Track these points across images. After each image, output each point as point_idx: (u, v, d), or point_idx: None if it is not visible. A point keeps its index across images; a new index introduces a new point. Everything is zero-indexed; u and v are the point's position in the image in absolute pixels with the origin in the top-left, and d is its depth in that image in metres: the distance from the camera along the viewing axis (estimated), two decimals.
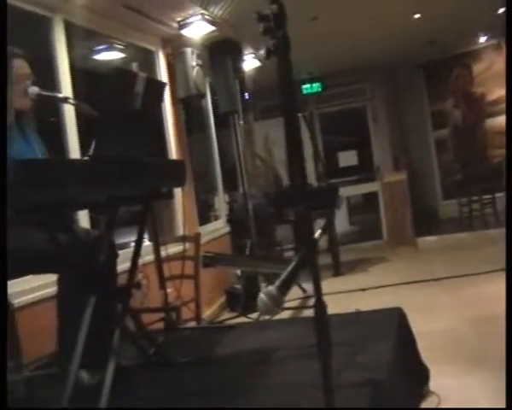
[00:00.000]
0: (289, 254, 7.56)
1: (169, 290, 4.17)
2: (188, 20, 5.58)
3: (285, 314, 4.82)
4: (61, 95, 3.08)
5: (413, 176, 9.72)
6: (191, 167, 6.13)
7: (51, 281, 2.98)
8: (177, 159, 5.49)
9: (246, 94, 5.97)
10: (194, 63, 5.74)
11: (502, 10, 7.08)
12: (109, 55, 5.62)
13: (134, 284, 2.60)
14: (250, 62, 7.28)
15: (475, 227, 8.78)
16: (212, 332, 3.63)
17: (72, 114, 4.29)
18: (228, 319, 5.57)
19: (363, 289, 5.69)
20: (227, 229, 7.14)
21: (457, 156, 10.42)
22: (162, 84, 2.87)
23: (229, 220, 7.16)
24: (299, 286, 5.89)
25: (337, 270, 7.37)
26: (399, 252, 8.42)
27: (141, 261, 2.83)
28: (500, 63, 9.31)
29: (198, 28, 5.70)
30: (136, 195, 2.61)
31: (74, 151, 4.29)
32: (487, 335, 3.85)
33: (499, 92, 9.39)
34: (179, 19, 5.59)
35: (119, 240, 4.20)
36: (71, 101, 2.95)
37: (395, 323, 2.96)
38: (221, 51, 5.98)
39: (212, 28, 5.77)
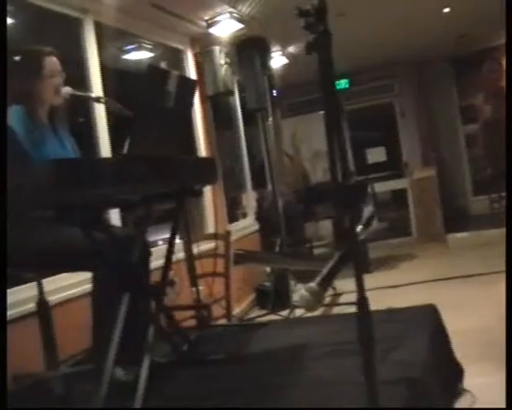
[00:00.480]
0: (319, 251, 7.54)
1: (200, 288, 4.19)
2: (216, 19, 5.58)
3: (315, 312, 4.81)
4: (94, 94, 3.12)
5: (442, 172, 9.62)
6: (220, 165, 6.15)
7: (85, 278, 3.02)
8: (209, 157, 5.51)
9: (274, 91, 5.96)
10: (222, 61, 5.76)
11: None
12: (138, 55, 5.65)
13: (168, 282, 2.62)
14: (277, 59, 7.28)
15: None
16: (243, 329, 3.64)
17: (103, 114, 4.33)
18: (258, 316, 5.58)
19: (394, 286, 5.65)
20: (256, 227, 7.14)
21: (488, 151, 10.28)
22: (194, 82, 2.89)
23: (258, 218, 7.16)
24: None
25: (366, 267, 7.32)
26: (429, 249, 8.34)
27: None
28: None
29: (226, 26, 5.70)
30: (168, 193, 2.63)
31: (105, 151, 4.33)
32: None
33: None
34: (207, 17, 5.59)
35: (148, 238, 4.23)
36: (104, 100, 2.98)
37: (429, 320, 2.94)
38: (249, 49, 5.98)
39: (241, 26, 5.77)
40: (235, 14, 5.57)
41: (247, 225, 7.04)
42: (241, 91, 6.83)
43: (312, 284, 1.85)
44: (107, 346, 2.29)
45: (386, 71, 9.94)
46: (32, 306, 2.93)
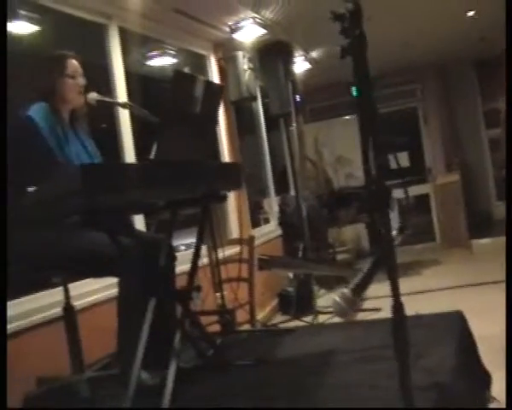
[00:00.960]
0: (342, 256, 7.50)
1: (224, 293, 4.18)
2: (239, 24, 5.60)
3: (337, 318, 4.78)
4: (120, 100, 3.14)
5: (466, 176, 9.53)
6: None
7: (110, 283, 3.03)
8: (234, 162, 5.52)
9: (297, 96, 5.95)
10: (245, 66, 5.76)
11: None
12: (161, 61, 5.68)
13: (194, 287, 2.62)
14: (300, 64, 7.27)
15: None
16: (268, 335, 3.63)
17: (127, 120, 4.35)
18: (281, 322, 5.56)
19: (419, 292, 5.60)
20: (278, 232, 7.13)
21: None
22: (221, 88, 2.89)
23: (281, 223, 7.15)
24: None
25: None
26: (453, 254, 8.26)
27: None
28: None
29: (249, 32, 5.72)
30: (194, 197, 2.63)
31: (129, 156, 4.35)
32: None
33: None
34: (231, 23, 5.61)
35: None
36: (130, 106, 2.99)
37: (456, 326, 2.91)
38: (272, 54, 5.99)
39: (264, 31, 5.77)
40: (258, 20, 5.58)
41: (270, 230, 7.03)
42: (264, 96, 6.83)
43: (346, 291, 1.83)
44: (133, 350, 2.30)
45: (410, 75, 9.89)
46: (58, 310, 2.94)
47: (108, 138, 4.49)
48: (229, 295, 4.20)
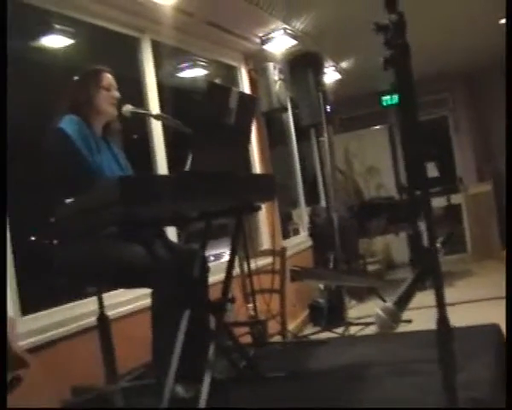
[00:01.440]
0: (372, 267, 7.44)
1: (250, 305, 4.18)
2: (270, 35, 5.61)
3: (368, 330, 4.74)
4: (154, 112, 3.16)
5: (499, 186, 9.39)
6: None
7: (144, 294, 3.04)
8: (267, 173, 5.53)
9: (328, 107, 5.93)
10: (276, 77, 5.77)
11: None
12: (193, 73, 5.72)
13: (229, 299, 2.62)
14: (331, 75, 7.26)
15: None
16: (301, 347, 3.61)
17: (160, 131, 4.39)
18: (312, 333, 5.53)
19: (452, 304, 5.51)
20: (308, 243, 7.11)
21: None
22: (254, 99, 2.89)
23: (312, 234, 7.13)
24: (382, 299, 5.77)
25: (422, 284, 7.16)
26: (485, 266, 8.14)
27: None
28: None
29: (280, 43, 5.72)
30: (229, 209, 2.64)
31: (162, 168, 4.38)
32: None
33: None
34: (262, 34, 5.62)
35: None
36: (163, 118, 3.02)
37: (492, 339, 2.86)
38: (302, 65, 5.99)
39: (294, 42, 5.78)
40: (288, 31, 5.58)
41: (301, 241, 7.01)
42: (294, 107, 6.83)
43: (389, 304, 1.81)
44: (168, 362, 2.30)
45: (440, 84, 9.80)
46: (92, 320, 2.97)
47: (139, 150, 4.53)
48: (261, 306, 4.19)
